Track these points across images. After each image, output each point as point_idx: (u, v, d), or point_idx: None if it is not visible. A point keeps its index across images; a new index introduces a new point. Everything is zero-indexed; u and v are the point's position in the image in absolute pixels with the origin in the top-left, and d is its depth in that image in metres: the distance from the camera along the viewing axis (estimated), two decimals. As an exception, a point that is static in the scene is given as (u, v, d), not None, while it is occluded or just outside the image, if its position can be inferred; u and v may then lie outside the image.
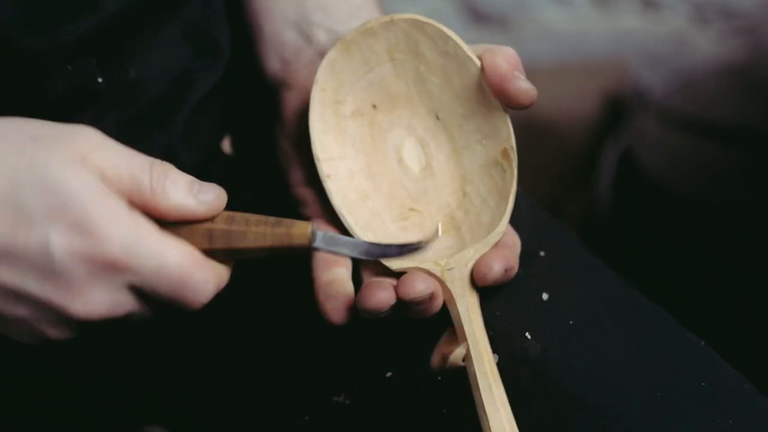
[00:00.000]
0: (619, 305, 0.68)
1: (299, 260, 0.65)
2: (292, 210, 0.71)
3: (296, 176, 0.71)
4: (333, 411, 0.70)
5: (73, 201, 0.53)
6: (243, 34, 0.77)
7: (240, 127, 0.80)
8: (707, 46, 1.78)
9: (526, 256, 0.68)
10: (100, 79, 0.65)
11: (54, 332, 0.56)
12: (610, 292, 0.69)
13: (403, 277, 0.62)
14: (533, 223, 0.73)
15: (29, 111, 0.58)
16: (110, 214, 0.54)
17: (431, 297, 0.62)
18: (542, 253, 0.70)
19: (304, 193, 0.70)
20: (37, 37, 0.61)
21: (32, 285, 0.54)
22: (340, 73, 0.67)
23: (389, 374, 0.68)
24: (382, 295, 0.61)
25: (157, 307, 0.58)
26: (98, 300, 0.54)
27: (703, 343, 0.67)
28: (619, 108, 1.71)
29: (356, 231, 0.67)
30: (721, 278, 1.43)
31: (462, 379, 0.63)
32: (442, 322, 0.65)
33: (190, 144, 0.71)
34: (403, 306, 0.62)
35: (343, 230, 0.68)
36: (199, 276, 0.56)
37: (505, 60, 0.64)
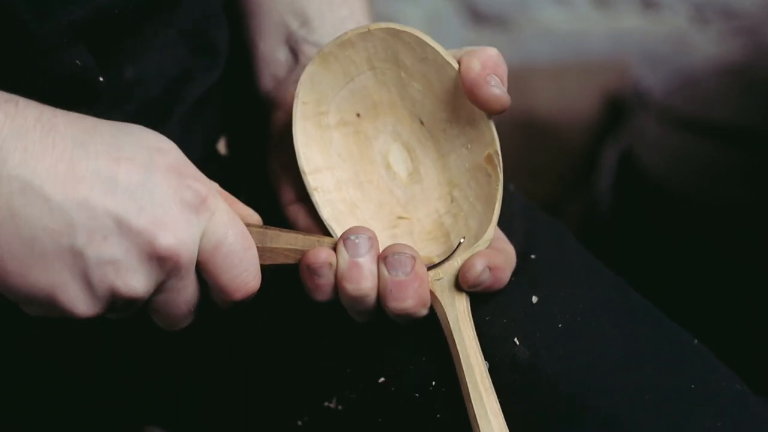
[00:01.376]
0: (613, 305, 0.68)
1: (294, 268, 0.65)
2: (286, 218, 0.71)
3: (287, 195, 0.71)
4: (326, 416, 0.70)
5: (168, 152, 0.59)
6: (239, 36, 0.77)
7: (235, 128, 0.80)
8: (707, 46, 1.78)
9: (518, 258, 0.68)
10: (101, 78, 0.65)
11: (133, 282, 0.57)
12: (604, 292, 0.69)
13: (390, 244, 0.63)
14: (527, 223, 0.73)
15: None
16: (196, 169, 0.60)
17: (413, 268, 0.62)
18: (533, 256, 0.70)
19: (295, 210, 0.70)
20: (39, 17, 0.61)
21: (129, 218, 0.56)
22: (319, 85, 0.67)
23: (382, 380, 0.68)
24: (365, 228, 0.62)
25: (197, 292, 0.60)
26: (186, 238, 0.57)
27: (696, 342, 0.67)
28: (619, 108, 1.71)
29: None
30: (721, 278, 1.43)
31: (456, 385, 0.63)
32: (434, 329, 0.65)
33: (186, 144, 0.71)
34: (385, 268, 0.62)
35: None
36: (251, 253, 0.60)
37: (480, 63, 0.63)
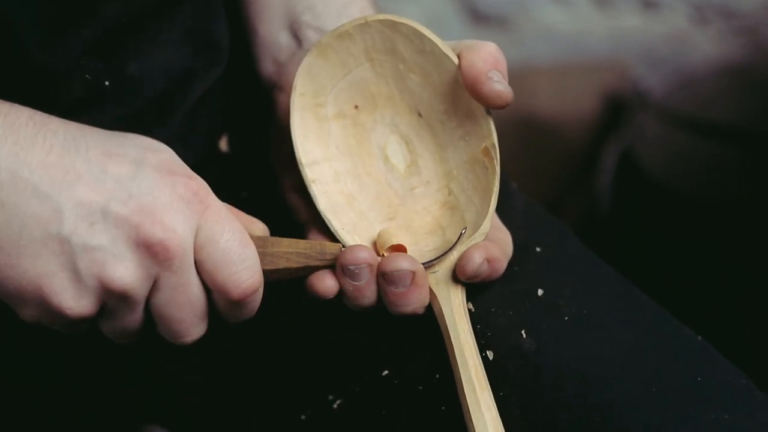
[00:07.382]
0: (616, 301, 0.68)
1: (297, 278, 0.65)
2: (287, 212, 0.71)
3: (288, 181, 0.71)
4: (329, 410, 0.70)
5: (162, 151, 0.59)
6: (241, 33, 0.77)
7: (237, 126, 0.80)
8: (707, 46, 1.78)
9: (522, 252, 0.68)
10: (107, 83, 0.66)
11: (120, 270, 0.56)
12: (607, 288, 0.69)
13: (388, 255, 0.63)
14: (529, 219, 0.73)
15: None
16: (189, 169, 0.60)
17: (413, 280, 0.62)
18: (538, 249, 0.70)
19: (296, 198, 0.71)
20: (48, 47, 0.62)
21: (116, 206, 0.56)
22: (317, 76, 0.67)
23: (385, 373, 0.68)
24: (364, 252, 0.62)
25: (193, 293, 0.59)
26: (174, 226, 0.57)
27: (699, 338, 0.68)
28: (619, 108, 1.71)
29: (342, 235, 0.67)
30: (721, 275, 1.43)
31: (460, 377, 0.63)
32: (436, 322, 0.65)
33: (188, 142, 0.71)
34: (384, 281, 0.62)
35: (331, 235, 0.68)
36: (250, 251, 0.60)
37: (481, 59, 0.63)
